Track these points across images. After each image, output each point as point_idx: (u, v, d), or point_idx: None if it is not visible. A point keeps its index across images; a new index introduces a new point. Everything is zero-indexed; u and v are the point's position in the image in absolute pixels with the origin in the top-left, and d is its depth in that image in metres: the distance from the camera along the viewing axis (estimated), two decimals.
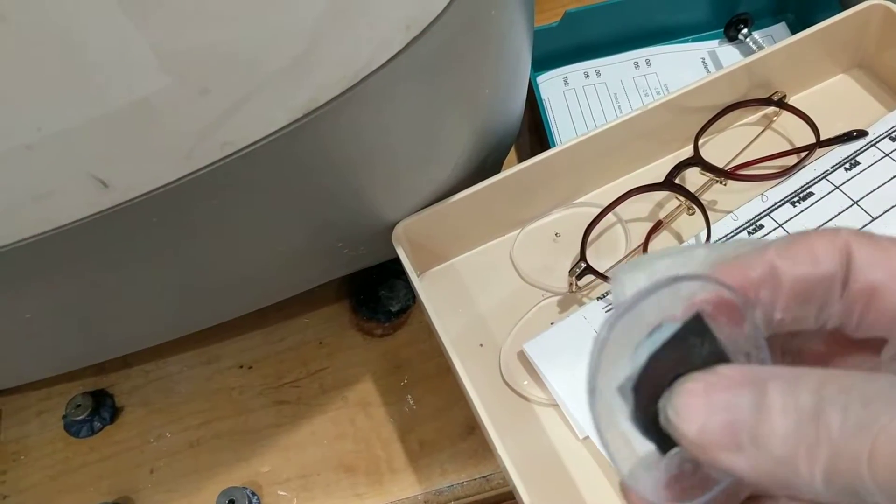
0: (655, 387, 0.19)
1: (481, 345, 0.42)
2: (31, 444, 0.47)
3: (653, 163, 0.47)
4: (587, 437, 0.38)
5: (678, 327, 0.19)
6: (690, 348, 0.19)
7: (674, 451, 0.19)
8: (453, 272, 0.45)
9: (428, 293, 0.40)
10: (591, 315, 0.41)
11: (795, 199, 0.43)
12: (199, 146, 0.27)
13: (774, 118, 0.47)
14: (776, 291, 0.20)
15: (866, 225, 0.41)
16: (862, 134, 0.44)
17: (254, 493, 0.42)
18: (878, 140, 0.44)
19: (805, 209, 0.43)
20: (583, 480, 0.38)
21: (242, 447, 0.45)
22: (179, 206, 0.29)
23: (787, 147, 0.46)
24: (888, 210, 0.42)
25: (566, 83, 0.54)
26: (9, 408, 0.48)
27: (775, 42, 0.45)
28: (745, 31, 0.54)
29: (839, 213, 0.42)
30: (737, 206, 0.44)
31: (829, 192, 0.43)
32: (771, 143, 0.46)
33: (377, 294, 0.48)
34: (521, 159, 0.52)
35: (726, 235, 0.43)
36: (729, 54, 0.54)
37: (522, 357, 0.41)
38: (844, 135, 0.44)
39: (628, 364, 0.19)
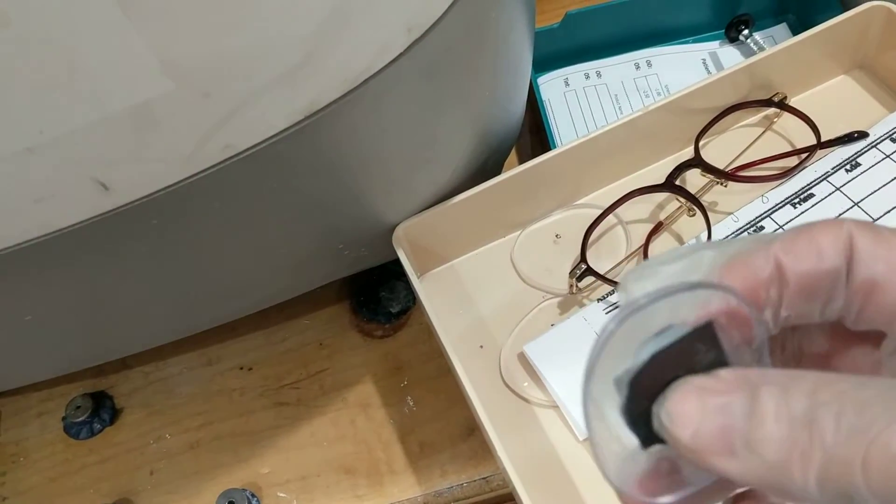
0: (652, 385, 0.19)
1: (481, 346, 0.42)
2: (30, 446, 0.47)
3: (653, 164, 0.47)
4: (587, 439, 0.38)
5: (687, 331, 0.19)
6: (694, 354, 0.19)
7: (654, 447, 0.19)
8: (454, 273, 0.45)
9: (428, 294, 0.40)
10: (592, 317, 0.41)
11: (796, 200, 0.43)
12: (200, 149, 0.27)
13: (775, 119, 0.47)
14: (782, 289, 0.20)
15: None
16: (863, 135, 0.44)
17: (253, 495, 0.42)
18: (878, 141, 0.44)
19: (806, 210, 0.43)
20: (582, 482, 0.38)
21: (242, 449, 0.45)
22: (180, 209, 0.29)
23: (788, 148, 0.46)
24: (889, 211, 0.42)
25: (567, 84, 0.54)
26: (8, 409, 0.48)
27: (776, 43, 0.45)
28: (745, 32, 0.54)
29: (840, 215, 0.42)
30: (737, 207, 0.44)
31: (830, 194, 0.43)
32: (772, 145, 0.46)
33: (377, 295, 0.48)
34: (521, 161, 0.52)
35: (727, 237, 0.43)
36: (730, 55, 0.54)
37: (522, 358, 0.41)
38: (845, 136, 0.44)
39: (630, 358, 0.19)
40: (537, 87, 0.53)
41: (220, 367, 0.48)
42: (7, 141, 0.24)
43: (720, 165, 0.44)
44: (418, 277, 0.41)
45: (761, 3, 0.54)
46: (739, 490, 0.21)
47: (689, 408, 0.18)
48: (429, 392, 0.45)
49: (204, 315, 0.42)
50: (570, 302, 0.43)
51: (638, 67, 0.55)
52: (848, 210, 0.42)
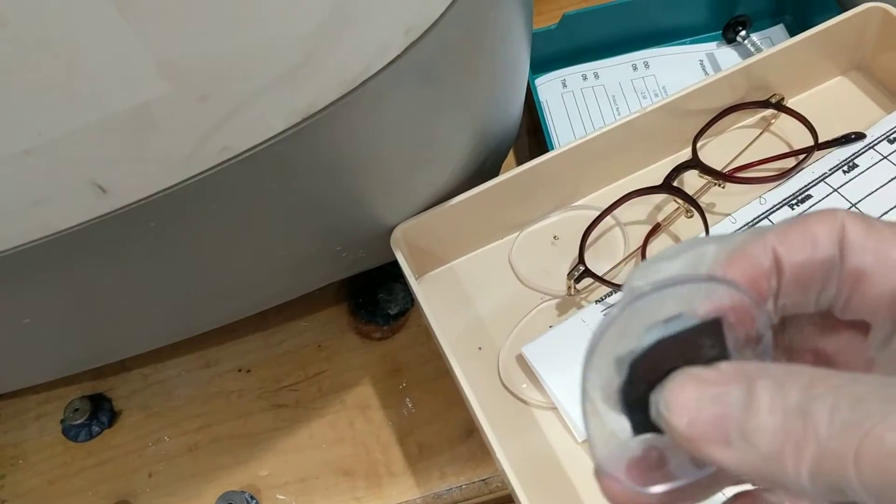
0: (652, 370, 0.19)
1: (480, 348, 0.42)
2: (29, 449, 0.47)
3: (651, 165, 0.47)
4: (586, 440, 0.38)
5: (696, 323, 0.19)
6: (699, 348, 0.19)
7: (645, 436, 0.20)
8: (452, 275, 0.45)
9: (426, 296, 0.40)
10: (590, 318, 0.41)
11: (794, 201, 0.43)
12: (198, 151, 0.27)
13: (773, 120, 0.47)
14: (779, 278, 0.20)
15: None
16: (860, 136, 0.44)
17: (252, 497, 0.42)
18: (876, 142, 0.44)
19: (803, 212, 0.43)
20: (581, 483, 0.38)
21: (241, 451, 0.45)
22: (178, 211, 0.29)
23: (786, 149, 0.46)
24: (887, 212, 0.42)
25: (564, 86, 0.54)
26: (7, 412, 0.48)
27: (773, 44, 0.45)
28: (743, 33, 0.54)
29: None
30: (735, 208, 0.44)
31: (828, 195, 0.43)
32: (769, 146, 0.47)
33: (376, 297, 0.48)
34: (519, 162, 0.52)
35: None
36: (727, 56, 0.54)
37: (521, 360, 0.41)
38: (842, 137, 0.44)
39: (635, 341, 0.19)
40: (535, 88, 0.53)
41: (219, 369, 0.48)
42: (5, 143, 0.24)
43: (718, 167, 0.44)
44: (416, 279, 0.41)
45: (759, 4, 0.54)
46: (738, 490, 0.21)
47: (686, 396, 0.18)
48: (427, 394, 0.45)
49: (202, 317, 0.42)
50: (568, 303, 0.43)
51: (635, 69, 0.55)
52: None
